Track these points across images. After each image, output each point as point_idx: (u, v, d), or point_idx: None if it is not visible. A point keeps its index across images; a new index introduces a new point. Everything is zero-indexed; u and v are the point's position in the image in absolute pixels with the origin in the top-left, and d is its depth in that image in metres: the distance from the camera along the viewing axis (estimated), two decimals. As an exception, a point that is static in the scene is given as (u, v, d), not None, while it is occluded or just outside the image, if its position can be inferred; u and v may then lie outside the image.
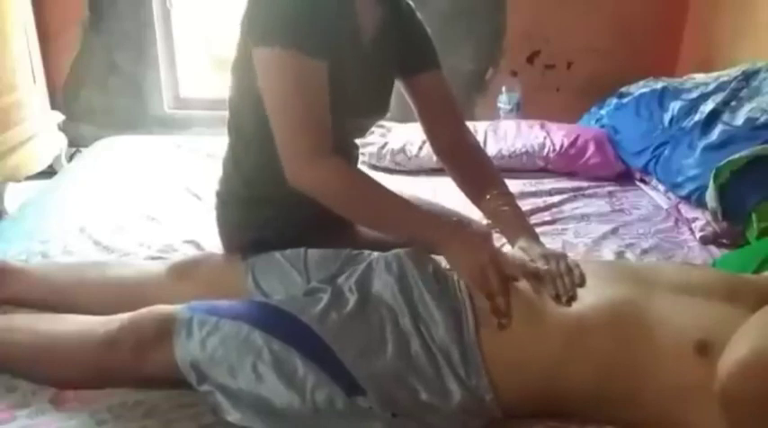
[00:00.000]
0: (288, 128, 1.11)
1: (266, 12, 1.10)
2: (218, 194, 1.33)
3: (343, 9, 1.18)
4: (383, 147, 2.25)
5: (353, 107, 1.22)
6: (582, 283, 1.04)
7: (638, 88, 2.42)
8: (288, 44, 1.07)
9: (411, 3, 1.34)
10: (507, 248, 1.26)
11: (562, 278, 1.04)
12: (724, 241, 1.70)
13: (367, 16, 1.21)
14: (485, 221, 1.44)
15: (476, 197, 1.35)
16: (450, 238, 1.09)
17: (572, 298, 1.00)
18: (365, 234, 1.30)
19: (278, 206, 1.12)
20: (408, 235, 1.15)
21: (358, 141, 1.42)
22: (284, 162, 1.11)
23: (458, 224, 1.20)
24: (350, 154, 1.38)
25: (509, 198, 1.31)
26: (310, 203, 1.11)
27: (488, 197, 1.30)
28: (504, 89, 2.77)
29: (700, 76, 2.24)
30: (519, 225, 1.26)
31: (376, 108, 1.32)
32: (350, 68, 1.18)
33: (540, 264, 1.08)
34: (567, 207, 1.94)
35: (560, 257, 1.10)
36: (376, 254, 1.15)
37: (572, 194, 2.03)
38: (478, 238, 1.12)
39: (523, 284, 1.05)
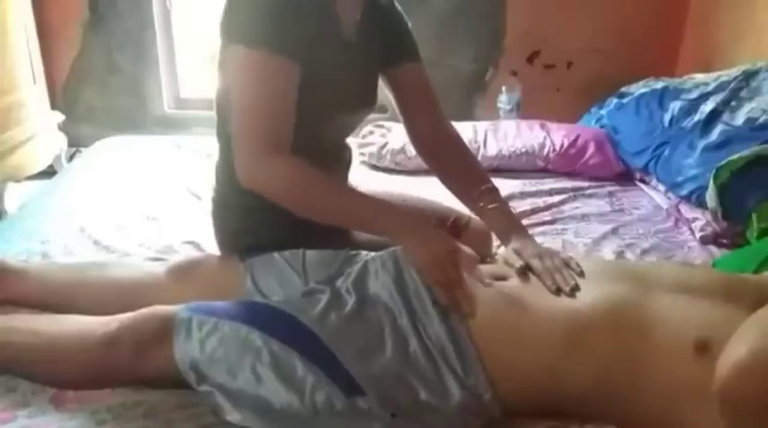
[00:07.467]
0: (243, 125, 1.09)
1: (239, 10, 1.10)
2: (213, 200, 1.32)
3: (322, 4, 1.17)
4: (383, 147, 2.24)
5: (340, 102, 1.22)
6: (581, 273, 1.05)
7: (638, 88, 2.41)
8: (255, 42, 1.07)
9: None
10: (501, 249, 1.25)
11: (560, 272, 1.04)
12: (724, 241, 1.70)
13: (347, 10, 1.21)
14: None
15: (461, 193, 1.34)
16: (408, 230, 1.08)
17: (575, 289, 1.01)
18: (361, 236, 1.29)
19: (273, 212, 1.11)
20: (366, 228, 1.15)
21: (355, 141, 1.41)
22: (236, 158, 1.09)
23: (416, 216, 1.18)
24: (340, 156, 1.38)
25: (495, 195, 1.31)
26: None
27: (475, 195, 1.29)
28: (503, 89, 2.76)
29: (700, 76, 2.24)
30: (509, 224, 1.26)
31: (363, 102, 1.30)
32: (333, 64, 1.17)
33: (536, 263, 1.08)
34: (566, 207, 1.94)
35: (554, 254, 1.11)
36: (373, 253, 1.15)
37: (572, 194, 2.03)
38: (437, 231, 1.11)
39: (514, 280, 1.06)
